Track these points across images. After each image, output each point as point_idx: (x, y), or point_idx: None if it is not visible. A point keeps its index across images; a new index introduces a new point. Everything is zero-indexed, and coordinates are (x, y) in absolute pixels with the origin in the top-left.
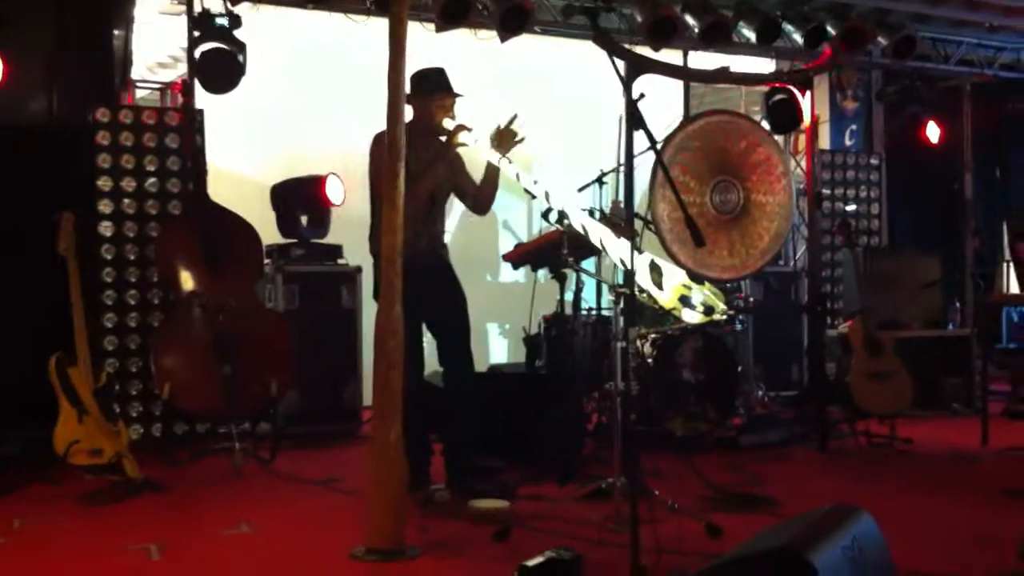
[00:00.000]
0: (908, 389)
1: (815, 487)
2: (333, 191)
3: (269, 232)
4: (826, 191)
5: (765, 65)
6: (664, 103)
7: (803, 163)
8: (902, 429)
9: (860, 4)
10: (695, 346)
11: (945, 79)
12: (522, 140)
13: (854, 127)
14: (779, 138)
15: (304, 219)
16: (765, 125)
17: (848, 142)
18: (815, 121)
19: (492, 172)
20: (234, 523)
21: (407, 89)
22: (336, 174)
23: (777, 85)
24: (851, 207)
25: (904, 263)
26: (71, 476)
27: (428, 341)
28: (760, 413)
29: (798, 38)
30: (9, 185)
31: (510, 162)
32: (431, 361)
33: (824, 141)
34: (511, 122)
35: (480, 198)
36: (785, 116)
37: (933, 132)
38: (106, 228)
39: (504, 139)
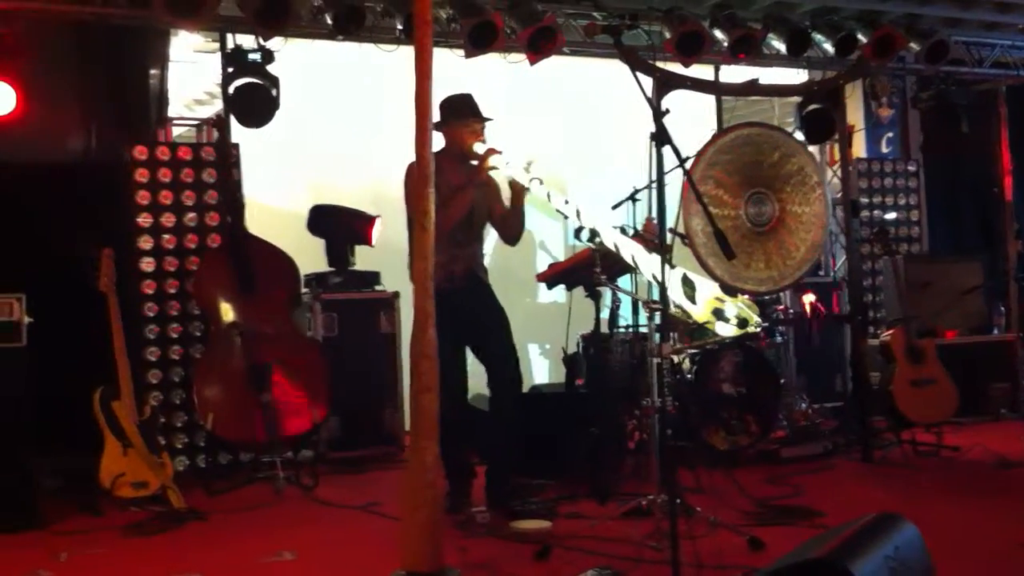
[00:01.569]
0: (952, 396)
1: (859, 498)
2: (376, 232)
3: (305, 261)
4: (864, 200)
5: (797, 76)
6: (697, 118)
7: (839, 172)
8: (949, 437)
9: (890, 11)
10: (735, 360)
11: (979, 82)
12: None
13: (890, 135)
14: (814, 148)
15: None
16: (799, 136)
17: (885, 149)
18: (850, 130)
19: (516, 193)
20: (276, 550)
21: (436, 116)
22: (379, 215)
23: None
24: (891, 215)
25: (945, 269)
26: (114, 507)
27: (473, 363)
28: (803, 425)
29: (829, 47)
30: (49, 222)
31: (541, 183)
32: (478, 384)
33: (860, 149)
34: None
35: (508, 222)
36: (819, 126)
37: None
38: (147, 264)
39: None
